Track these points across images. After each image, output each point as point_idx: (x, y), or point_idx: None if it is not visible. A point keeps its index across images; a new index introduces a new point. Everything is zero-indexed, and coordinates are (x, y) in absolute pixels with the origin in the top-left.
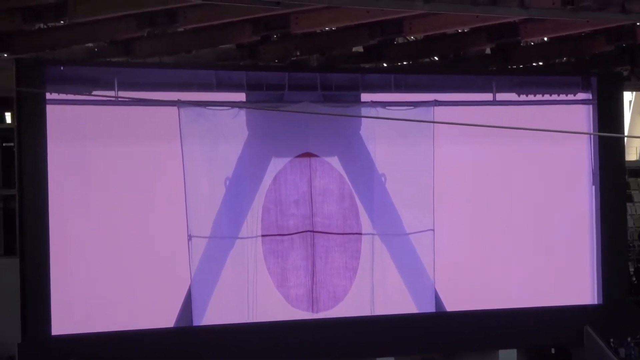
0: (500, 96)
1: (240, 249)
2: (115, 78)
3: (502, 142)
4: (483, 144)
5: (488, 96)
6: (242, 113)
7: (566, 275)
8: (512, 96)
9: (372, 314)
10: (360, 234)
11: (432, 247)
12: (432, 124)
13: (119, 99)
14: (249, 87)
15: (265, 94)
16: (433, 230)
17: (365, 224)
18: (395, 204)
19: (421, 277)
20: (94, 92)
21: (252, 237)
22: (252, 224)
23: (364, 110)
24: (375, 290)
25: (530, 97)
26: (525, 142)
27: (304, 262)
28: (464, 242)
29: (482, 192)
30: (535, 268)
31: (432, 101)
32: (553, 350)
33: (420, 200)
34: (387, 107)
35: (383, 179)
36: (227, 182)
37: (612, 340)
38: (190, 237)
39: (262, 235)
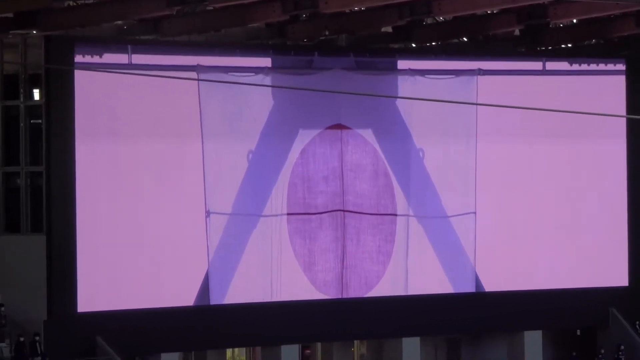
0: (551, 65)
1: (264, 228)
2: (128, 41)
3: (547, 120)
4: (528, 120)
5: (537, 65)
6: (268, 79)
7: (593, 257)
8: (563, 65)
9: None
10: (395, 215)
11: (473, 231)
12: (475, 94)
13: (132, 65)
14: (275, 51)
15: (293, 59)
16: (475, 212)
17: (401, 204)
18: (434, 181)
19: (461, 263)
20: (105, 55)
21: (276, 216)
22: (277, 201)
23: (401, 79)
24: (410, 277)
25: (584, 67)
26: (570, 121)
27: (334, 244)
28: (502, 225)
29: (523, 172)
30: (564, 251)
31: (475, 70)
32: (578, 332)
33: (461, 178)
34: (426, 76)
35: (421, 154)
36: (250, 156)
37: (638, 322)
38: (208, 214)
39: (288, 214)
